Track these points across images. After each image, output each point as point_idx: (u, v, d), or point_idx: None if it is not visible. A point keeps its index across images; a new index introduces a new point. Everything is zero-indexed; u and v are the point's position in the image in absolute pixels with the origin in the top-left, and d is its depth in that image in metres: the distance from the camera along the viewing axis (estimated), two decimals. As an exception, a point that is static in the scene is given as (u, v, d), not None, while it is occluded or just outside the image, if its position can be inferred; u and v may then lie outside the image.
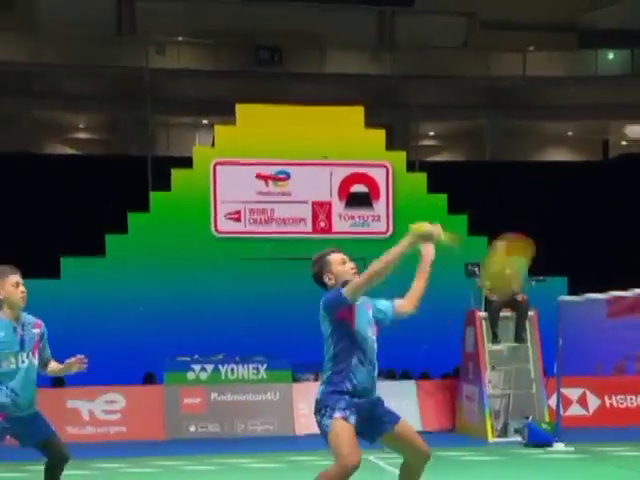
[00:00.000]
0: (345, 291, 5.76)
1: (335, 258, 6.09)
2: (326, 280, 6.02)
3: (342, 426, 5.76)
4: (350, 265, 6.05)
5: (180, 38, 29.07)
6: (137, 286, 16.40)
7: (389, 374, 16.04)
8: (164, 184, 17.24)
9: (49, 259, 16.67)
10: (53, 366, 7.00)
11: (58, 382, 14.74)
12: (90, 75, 27.18)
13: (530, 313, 14.11)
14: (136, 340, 15.83)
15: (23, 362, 6.66)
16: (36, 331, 6.82)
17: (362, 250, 16.91)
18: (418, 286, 6.21)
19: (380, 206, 17.19)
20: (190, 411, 14.41)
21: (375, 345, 6.05)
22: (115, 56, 27.38)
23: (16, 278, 6.73)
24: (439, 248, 17.86)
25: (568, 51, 30.23)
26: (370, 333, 6.01)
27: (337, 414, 5.78)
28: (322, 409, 5.85)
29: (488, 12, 28.95)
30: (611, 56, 30.38)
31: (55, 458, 6.84)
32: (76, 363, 6.88)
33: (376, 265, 5.71)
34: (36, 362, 6.79)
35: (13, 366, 6.62)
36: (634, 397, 15.37)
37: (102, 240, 16.77)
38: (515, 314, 14.08)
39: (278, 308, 16.39)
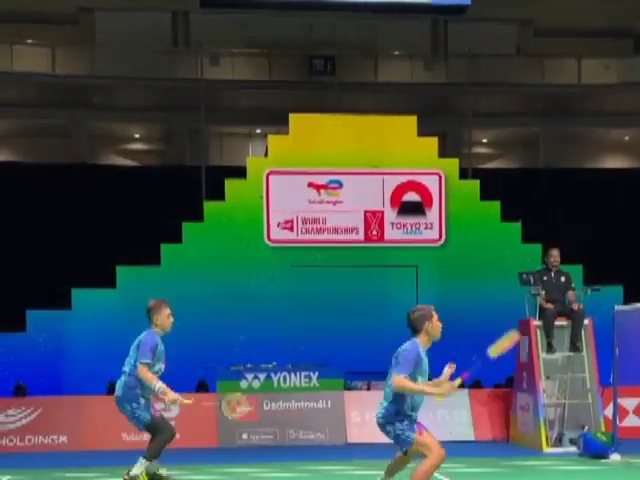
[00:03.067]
0: (398, 380, 7.65)
1: (436, 315, 7.97)
2: (424, 327, 7.85)
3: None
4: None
5: (234, 49, 29.33)
6: (192, 294, 16.56)
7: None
8: (218, 194, 17.40)
9: (106, 269, 16.93)
10: None
11: (113, 390, 14.92)
12: (145, 87, 27.54)
13: (585, 322, 13.95)
14: (190, 348, 15.98)
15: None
16: None
17: (415, 258, 17.10)
18: (418, 388, 7.72)
19: (433, 214, 17.16)
20: (243, 419, 14.48)
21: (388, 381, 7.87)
22: (170, 68, 27.72)
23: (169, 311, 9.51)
24: (493, 255, 17.60)
25: (623, 57, 29.82)
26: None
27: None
28: None
29: (541, 19, 28.71)
30: (667, 62, 29.90)
31: None
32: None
33: (409, 388, 7.62)
34: None
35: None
36: (692, 407, 15.08)
37: (158, 249, 16.97)
38: (570, 323, 13.94)
39: (331, 316, 16.44)
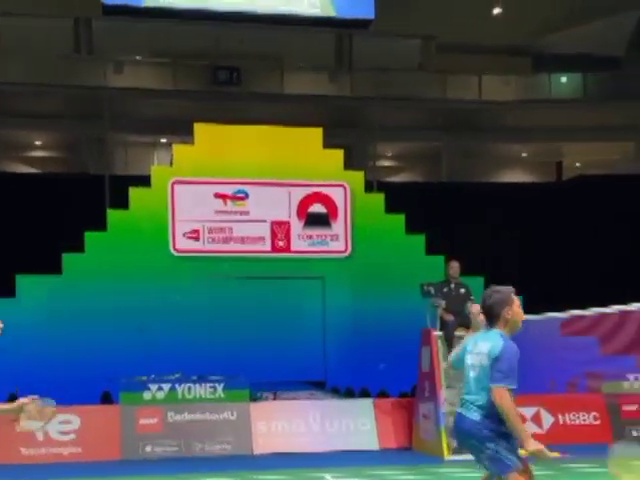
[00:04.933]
0: (503, 395, 6.00)
1: (517, 299, 6.35)
2: (504, 314, 6.25)
3: None
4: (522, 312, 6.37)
5: (138, 57, 29.07)
6: (95, 305, 16.29)
7: (348, 393, 16.12)
8: (122, 203, 17.18)
9: (5, 277, 16.52)
10: None
11: (13, 402, 14.58)
12: (48, 93, 27.05)
13: (485, 332, 14.27)
14: (94, 360, 15.72)
15: None
16: None
17: (321, 269, 17.22)
18: (520, 427, 6.10)
19: (339, 225, 17.30)
20: (146, 431, 14.32)
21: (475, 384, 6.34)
22: (73, 75, 27.28)
23: None
24: (397, 267, 17.83)
25: (523, 75, 30.74)
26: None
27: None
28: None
29: (444, 35, 29.35)
30: (564, 80, 30.96)
31: None
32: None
33: (512, 417, 5.97)
34: None
35: None
36: (587, 414, 15.58)
37: (59, 259, 16.65)
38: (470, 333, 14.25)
39: (237, 327, 16.41)
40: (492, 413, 6.07)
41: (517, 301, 6.34)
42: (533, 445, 5.93)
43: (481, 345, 6.25)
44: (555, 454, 6.24)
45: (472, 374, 6.26)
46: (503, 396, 5.95)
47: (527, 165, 32.66)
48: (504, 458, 6.03)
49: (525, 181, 30.75)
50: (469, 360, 6.33)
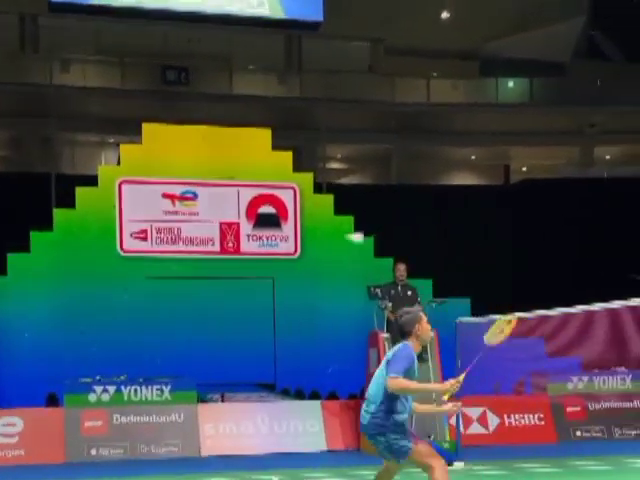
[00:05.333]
0: (394, 380, 7.01)
1: (425, 318, 7.44)
2: (414, 330, 7.31)
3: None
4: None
5: (86, 56, 28.71)
6: (40, 306, 16.06)
7: (298, 394, 16.10)
8: (69, 203, 16.95)
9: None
10: None
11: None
12: (-8, 91, 26.60)
13: (430, 334, 14.35)
14: (40, 362, 15.49)
15: None
16: None
17: (271, 270, 17.18)
18: (419, 387, 7.25)
19: (288, 227, 17.28)
20: (91, 433, 14.15)
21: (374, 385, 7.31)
22: (19, 72, 26.86)
23: None
24: (346, 269, 17.82)
25: (470, 79, 31.04)
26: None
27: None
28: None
29: (393, 38, 29.49)
30: (511, 84, 31.33)
31: None
32: None
33: (409, 388, 7.06)
34: None
35: None
36: (532, 415, 15.78)
37: (3, 259, 16.37)
38: (418, 335, 14.33)
39: (185, 328, 16.30)
40: (378, 410, 7.09)
41: (425, 318, 7.40)
42: (445, 387, 7.24)
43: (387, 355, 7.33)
44: (462, 376, 7.34)
45: (372, 384, 7.26)
46: (394, 381, 6.95)
47: (475, 168, 32.97)
48: (397, 446, 7.03)
49: (473, 184, 31.03)
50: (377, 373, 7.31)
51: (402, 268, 14.92)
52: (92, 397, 14.42)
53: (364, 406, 7.31)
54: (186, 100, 27.33)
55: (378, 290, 14.64)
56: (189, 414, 14.55)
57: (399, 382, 6.96)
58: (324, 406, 15.22)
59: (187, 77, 28.42)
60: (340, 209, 17.68)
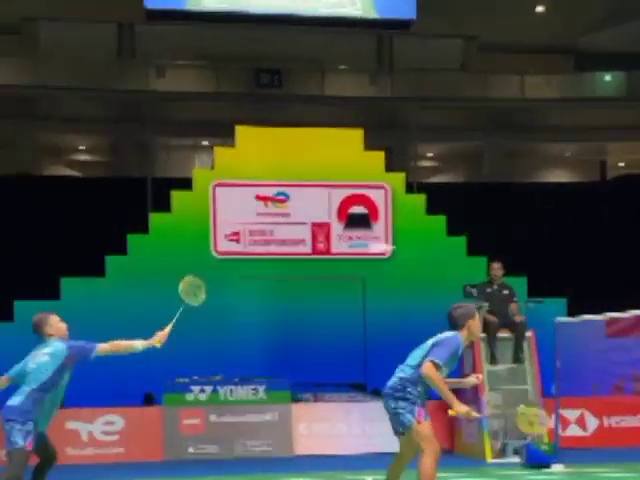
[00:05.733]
0: (429, 368, 7.37)
1: (478, 315, 7.77)
2: (467, 324, 7.61)
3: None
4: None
5: (181, 61, 29.27)
6: (137, 307, 16.41)
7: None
8: (164, 206, 17.31)
9: (50, 280, 16.73)
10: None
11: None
12: (91, 98, 27.38)
13: (528, 334, 14.16)
14: (136, 361, 15.80)
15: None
16: None
17: (361, 270, 17.19)
18: (444, 390, 7.44)
19: (379, 227, 17.26)
20: (189, 432, 14.41)
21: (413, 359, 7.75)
22: (116, 79, 27.56)
23: (57, 317, 8.27)
24: (438, 268, 17.79)
25: (565, 73, 30.46)
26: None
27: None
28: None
29: (486, 35, 29.17)
30: (607, 78, 30.61)
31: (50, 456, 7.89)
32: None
33: (436, 384, 7.35)
34: None
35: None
36: (632, 417, 15.37)
37: (102, 261, 16.81)
38: (513, 335, 14.14)
39: (279, 328, 16.45)
40: (409, 378, 7.45)
41: (477, 315, 7.70)
42: (460, 409, 7.34)
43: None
44: (477, 414, 7.77)
45: (415, 352, 7.65)
46: (430, 369, 7.27)
47: (570, 164, 32.35)
48: (402, 416, 7.40)
49: (568, 180, 30.46)
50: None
51: (497, 267, 14.71)
52: (189, 396, 14.67)
53: (399, 369, 7.64)
54: (279, 102, 27.60)
55: (474, 290, 14.48)
56: (283, 414, 14.68)
57: (433, 373, 7.25)
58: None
59: (280, 79, 28.69)
60: (432, 208, 17.57)
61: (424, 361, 7.39)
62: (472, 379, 7.94)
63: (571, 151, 32.24)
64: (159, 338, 7.77)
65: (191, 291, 8.53)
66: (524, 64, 29.75)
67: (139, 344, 8.43)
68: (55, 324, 8.23)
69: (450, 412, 7.45)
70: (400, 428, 7.49)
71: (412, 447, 7.63)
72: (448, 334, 7.56)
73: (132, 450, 14.22)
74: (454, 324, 7.64)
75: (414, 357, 7.59)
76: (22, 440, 7.48)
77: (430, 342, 7.60)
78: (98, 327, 16.20)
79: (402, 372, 7.56)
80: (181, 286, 8.78)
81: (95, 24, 28.09)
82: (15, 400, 7.68)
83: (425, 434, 7.37)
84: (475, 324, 7.63)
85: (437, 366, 7.34)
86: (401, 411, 7.38)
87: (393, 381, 7.53)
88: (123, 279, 16.68)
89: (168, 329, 7.75)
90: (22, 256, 20.06)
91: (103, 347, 8.23)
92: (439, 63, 29.40)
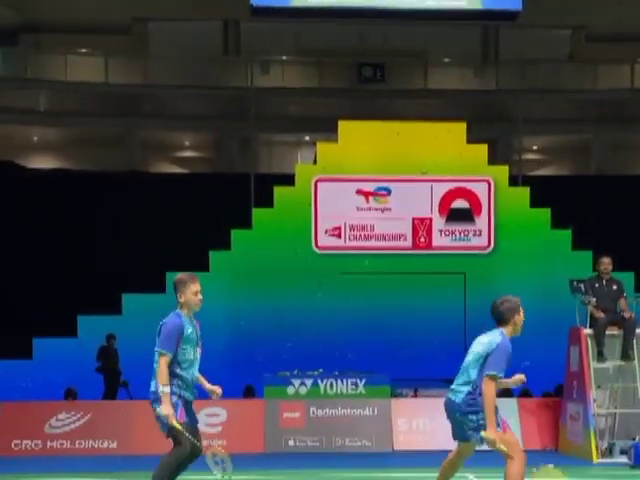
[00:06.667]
0: (489, 384, 7.25)
1: (522, 310, 7.60)
2: (513, 319, 7.53)
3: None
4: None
5: (284, 57, 29.49)
6: (239, 301, 16.65)
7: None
8: (267, 201, 17.49)
9: (156, 274, 17.09)
10: None
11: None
12: (196, 95, 27.86)
13: (638, 331, 13.73)
14: (238, 354, 16.07)
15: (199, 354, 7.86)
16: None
17: (463, 265, 17.01)
18: (490, 412, 7.27)
19: (482, 221, 17.05)
20: (289, 425, 14.50)
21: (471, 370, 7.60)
22: (221, 76, 27.99)
23: (197, 287, 7.81)
24: (542, 263, 17.34)
25: (679, 62, 29.39)
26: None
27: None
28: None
29: (594, 24, 28.42)
30: None
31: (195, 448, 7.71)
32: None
33: (487, 403, 7.22)
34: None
35: (197, 356, 7.82)
36: None
37: (207, 256, 17.10)
38: (622, 332, 13.73)
39: (378, 323, 16.43)
40: (474, 390, 7.31)
41: (522, 310, 7.57)
42: (490, 434, 7.16)
43: (481, 337, 7.58)
44: (502, 448, 7.28)
45: (469, 361, 7.49)
46: (489, 386, 7.19)
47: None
48: (484, 424, 7.22)
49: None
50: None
51: (607, 261, 14.25)
52: (290, 390, 14.77)
53: (457, 382, 7.52)
54: (382, 97, 27.51)
55: (582, 285, 14.08)
56: (383, 409, 14.63)
57: (490, 391, 7.19)
58: (520, 404, 14.88)
59: (383, 74, 28.56)
60: (536, 202, 17.23)
61: (483, 375, 7.29)
62: (518, 376, 7.84)
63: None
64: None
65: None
66: (634, 53, 28.84)
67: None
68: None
69: (482, 434, 7.28)
70: (475, 437, 7.39)
71: (470, 453, 7.76)
72: (496, 338, 7.41)
73: (234, 442, 14.38)
74: (500, 319, 7.55)
75: (469, 371, 7.49)
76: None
77: (479, 350, 7.48)
78: (202, 320, 16.61)
79: (467, 388, 7.43)
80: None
81: (202, 22, 28.54)
82: (152, 385, 7.76)
83: (512, 442, 7.38)
84: (520, 319, 7.54)
85: (495, 378, 7.28)
86: (483, 421, 7.27)
87: (462, 398, 7.40)
88: (227, 274, 16.96)
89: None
90: (130, 251, 20.57)
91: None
92: (546, 54, 28.80)
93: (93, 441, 14.38)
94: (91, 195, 22.01)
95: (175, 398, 7.65)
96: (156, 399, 7.65)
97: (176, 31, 28.41)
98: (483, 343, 7.49)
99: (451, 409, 7.53)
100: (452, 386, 7.58)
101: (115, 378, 16.59)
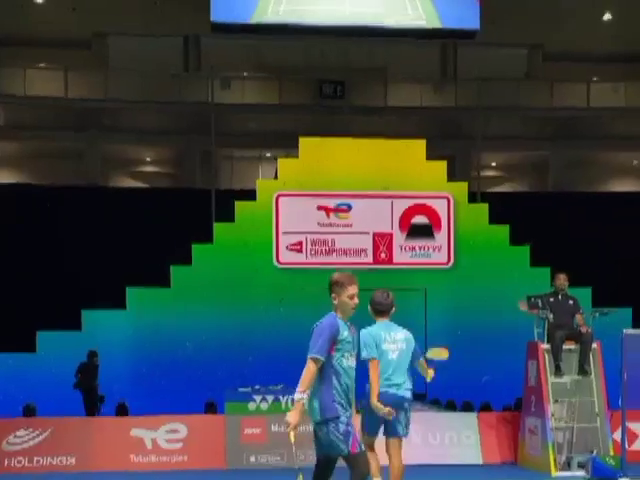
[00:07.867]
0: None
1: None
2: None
3: None
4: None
5: (245, 73, 29.56)
6: (201, 316, 16.62)
7: (449, 405, 15.94)
8: (228, 216, 17.51)
9: (116, 290, 17.03)
10: None
11: (122, 411, 14.99)
12: (157, 110, 27.82)
13: (594, 345, 13.92)
14: (199, 369, 16.01)
15: (354, 362, 7.21)
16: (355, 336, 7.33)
17: (423, 280, 17.13)
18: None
19: (442, 237, 17.21)
20: (251, 441, 14.46)
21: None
22: (182, 91, 27.96)
23: (354, 290, 7.20)
24: (501, 279, 17.58)
25: (634, 81, 29.92)
26: None
27: None
28: None
29: (551, 43, 28.86)
30: (676, 86, 29.99)
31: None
32: None
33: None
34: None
35: (351, 364, 7.16)
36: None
37: (168, 270, 17.06)
38: (578, 346, 13.92)
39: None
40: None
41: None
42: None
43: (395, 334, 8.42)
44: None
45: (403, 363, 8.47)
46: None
47: (637, 174, 31.74)
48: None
49: (635, 190, 29.88)
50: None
51: (563, 277, 14.47)
52: (252, 405, 14.73)
53: (403, 382, 8.78)
54: (342, 113, 27.67)
55: (539, 300, 14.29)
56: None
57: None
58: (480, 418, 15.01)
59: (343, 91, 28.75)
60: (495, 218, 17.44)
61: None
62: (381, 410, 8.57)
63: (638, 160, 31.65)
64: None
65: None
66: (590, 72, 29.34)
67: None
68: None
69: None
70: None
71: None
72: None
73: (195, 458, 14.33)
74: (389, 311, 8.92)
75: (408, 370, 9.02)
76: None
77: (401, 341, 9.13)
78: (162, 335, 16.56)
79: (408, 384, 9.12)
80: None
81: (162, 38, 28.53)
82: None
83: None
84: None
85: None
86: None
87: (410, 394, 8.87)
88: (188, 289, 16.92)
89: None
90: (88, 266, 20.44)
91: None
92: (504, 72, 29.17)
93: (51, 458, 14.22)
94: (50, 210, 21.84)
95: (344, 426, 7.09)
96: (326, 420, 7.18)
97: (137, 46, 28.36)
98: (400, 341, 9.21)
99: (406, 402, 8.76)
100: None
101: (93, 395, 16.40)
